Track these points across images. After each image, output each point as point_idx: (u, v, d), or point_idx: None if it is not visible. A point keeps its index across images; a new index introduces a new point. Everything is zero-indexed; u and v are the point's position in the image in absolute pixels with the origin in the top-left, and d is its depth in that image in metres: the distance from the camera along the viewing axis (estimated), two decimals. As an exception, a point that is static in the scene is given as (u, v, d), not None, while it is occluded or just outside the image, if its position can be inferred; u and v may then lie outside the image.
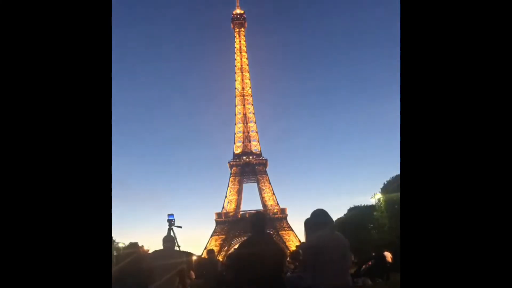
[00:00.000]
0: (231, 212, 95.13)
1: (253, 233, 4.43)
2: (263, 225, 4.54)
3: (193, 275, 7.92)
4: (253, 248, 4.14)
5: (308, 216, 4.50)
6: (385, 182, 35.18)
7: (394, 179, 32.73)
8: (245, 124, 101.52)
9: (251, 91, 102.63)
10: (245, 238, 4.71)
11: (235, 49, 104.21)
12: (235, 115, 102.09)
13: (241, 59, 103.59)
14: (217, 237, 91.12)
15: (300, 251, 6.41)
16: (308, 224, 4.41)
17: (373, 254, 16.69)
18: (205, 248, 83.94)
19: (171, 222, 9.73)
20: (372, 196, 35.77)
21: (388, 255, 15.89)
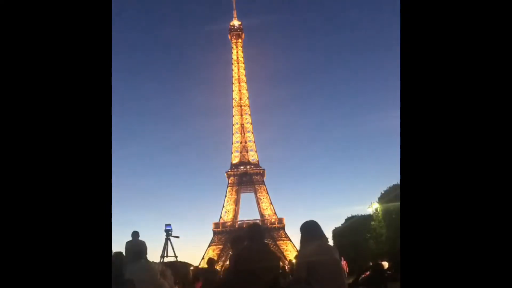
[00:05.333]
0: (229, 222, 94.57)
1: (249, 242, 4.44)
2: (261, 235, 4.57)
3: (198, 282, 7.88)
4: (252, 256, 4.14)
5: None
6: (382, 192, 35.08)
7: (391, 188, 32.64)
8: (243, 134, 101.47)
9: (248, 102, 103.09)
10: (243, 246, 4.68)
11: (233, 60, 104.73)
12: (233, 125, 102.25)
13: (238, 69, 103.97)
14: (214, 247, 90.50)
15: (295, 262, 6.45)
16: (301, 236, 4.51)
17: (371, 263, 16.62)
18: (203, 258, 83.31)
19: (168, 232, 9.74)
20: (369, 206, 35.59)
21: (385, 265, 15.85)
